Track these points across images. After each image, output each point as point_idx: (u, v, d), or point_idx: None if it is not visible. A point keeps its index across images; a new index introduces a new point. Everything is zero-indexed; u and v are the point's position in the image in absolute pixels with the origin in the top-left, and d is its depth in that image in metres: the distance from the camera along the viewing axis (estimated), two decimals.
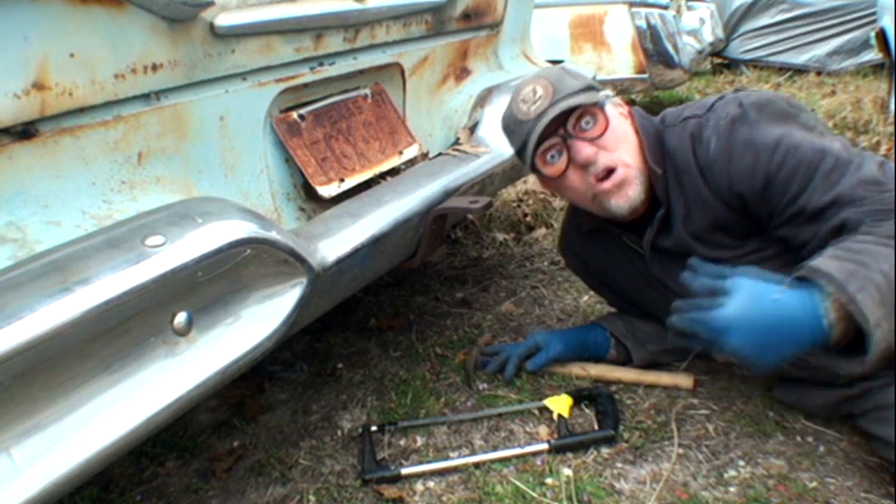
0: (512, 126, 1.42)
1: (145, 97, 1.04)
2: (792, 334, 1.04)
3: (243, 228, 0.93)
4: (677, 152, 1.37)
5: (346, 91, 1.52)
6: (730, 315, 1.04)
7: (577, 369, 1.74)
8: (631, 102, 5.28)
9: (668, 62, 4.13)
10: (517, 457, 1.47)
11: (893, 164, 1.35)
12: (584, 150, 1.34)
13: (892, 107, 3.94)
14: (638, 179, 1.37)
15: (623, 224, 1.50)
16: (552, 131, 1.36)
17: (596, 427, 1.55)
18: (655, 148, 1.40)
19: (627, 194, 1.37)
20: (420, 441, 1.55)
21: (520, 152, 1.44)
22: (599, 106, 1.36)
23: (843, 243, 1.09)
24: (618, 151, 1.36)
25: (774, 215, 1.28)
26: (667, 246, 1.45)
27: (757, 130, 1.27)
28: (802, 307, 1.04)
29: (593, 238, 1.66)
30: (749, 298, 1.05)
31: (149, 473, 1.51)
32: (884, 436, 1.32)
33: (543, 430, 1.56)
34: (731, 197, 1.31)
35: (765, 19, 6.63)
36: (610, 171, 1.35)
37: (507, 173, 1.69)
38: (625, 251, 1.59)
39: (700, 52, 5.71)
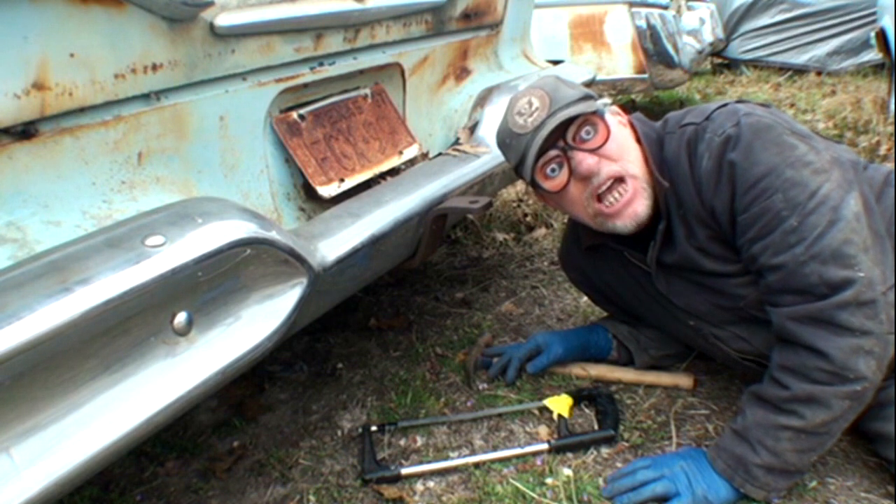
0: (508, 140, 1.35)
1: (145, 97, 1.04)
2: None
3: (243, 228, 0.93)
4: (674, 162, 1.32)
5: (346, 91, 1.52)
6: None
7: (577, 369, 1.74)
8: (631, 102, 5.30)
9: (668, 62, 4.13)
10: (517, 457, 1.47)
11: (893, 170, 1.35)
12: (586, 161, 1.28)
13: (892, 107, 3.93)
14: (644, 192, 1.31)
15: (624, 240, 1.45)
16: (551, 144, 1.30)
17: (596, 427, 1.56)
18: (658, 157, 1.34)
19: (636, 211, 1.31)
20: (420, 441, 1.55)
21: (518, 167, 1.37)
22: (599, 115, 1.30)
23: (742, 419, 1.29)
24: (621, 161, 1.30)
25: (740, 247, 1.27)
26: (671, 261, 1.40)
27: (746, 158, 1.20)
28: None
29: (594, 253, 1.61)
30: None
31: (149, 473, 1.51)
32: (884, 433, 1.32)
33: (543, 430, 1.56)
34: (718, 215, 1.27)
35: (765, 19, 6.63)
36: (616, 181, 1.29)
37: (508, 173, 1.69)
38: (627, 267, 1.53)
39: (700, 52, 5.70)
